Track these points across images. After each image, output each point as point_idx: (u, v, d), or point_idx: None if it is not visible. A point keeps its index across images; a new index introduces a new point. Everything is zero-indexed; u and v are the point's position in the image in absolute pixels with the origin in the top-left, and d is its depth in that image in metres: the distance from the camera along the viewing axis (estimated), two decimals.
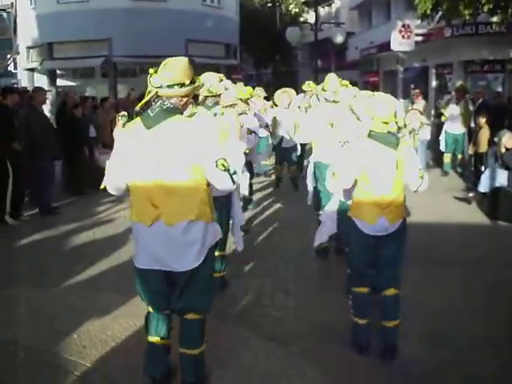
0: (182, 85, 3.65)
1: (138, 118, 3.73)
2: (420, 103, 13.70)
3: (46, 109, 11.00)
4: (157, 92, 3.66)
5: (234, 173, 3.67)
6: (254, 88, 10.59)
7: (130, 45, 25.04)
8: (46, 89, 15.03)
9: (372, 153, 4.49)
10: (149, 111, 3.68)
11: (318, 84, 13.02)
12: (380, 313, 4.70)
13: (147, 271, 3.77)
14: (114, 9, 25.75)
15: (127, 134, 3.75)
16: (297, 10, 42.84)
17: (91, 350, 4.61)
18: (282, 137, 10.91)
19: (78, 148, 11.30)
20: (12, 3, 35.00)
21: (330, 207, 6.01)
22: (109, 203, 10.40)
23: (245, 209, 8.40)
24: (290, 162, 11.38)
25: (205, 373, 4.04)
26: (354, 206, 4.71)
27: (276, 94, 11.96)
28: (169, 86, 3.62)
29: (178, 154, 3.58)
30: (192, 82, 3.71)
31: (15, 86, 26.57)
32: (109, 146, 12.51)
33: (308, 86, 12.48)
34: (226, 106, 5.79)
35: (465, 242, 8.04)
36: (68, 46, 26.70)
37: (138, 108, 3.83)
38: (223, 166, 3.60)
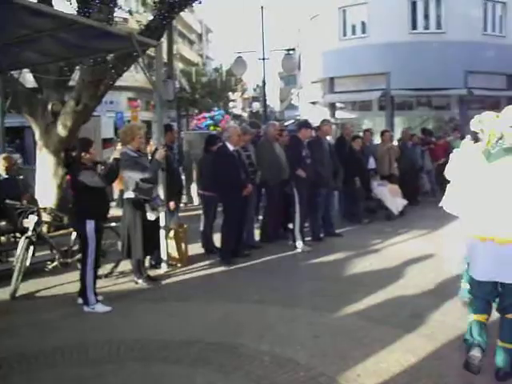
0: None
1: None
2: None
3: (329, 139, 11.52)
4: (501, 133, 4.55)
5: None
6: None
7: (408, 78, 25.15)
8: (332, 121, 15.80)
9: None
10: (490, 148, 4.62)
11: None
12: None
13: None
14: (393, 43, 26.16)
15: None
16: None
17: (365, 379, 4.68)
18: None
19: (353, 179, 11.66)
20: (298, 42, 37.57)
21: None
22: (383, 234, 10.57)
23: None
24: None
25: None
26: None
27: None
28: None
29: None
30: None
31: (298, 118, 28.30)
32: (386, 178, 12.80)
33: None
34: None
35: None
36: (348, 80, 27.75)
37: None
38: None
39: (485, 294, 4.70)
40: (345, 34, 28.87)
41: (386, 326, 5.91)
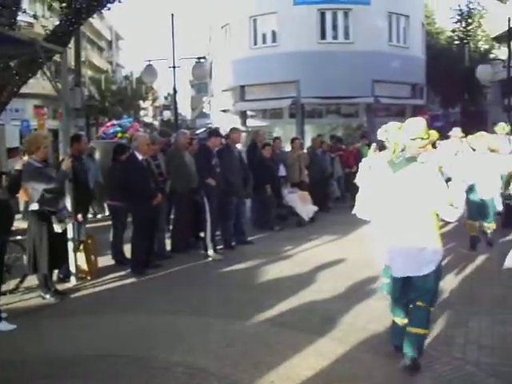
0: (422, 138, 4.90)
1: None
2: None
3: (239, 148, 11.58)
4: (403, 144, 4.95)
5: (457, 207, 4.79)
6: (441, 128, 10.25)
7: (317, 86, 25.63)
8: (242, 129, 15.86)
9: None
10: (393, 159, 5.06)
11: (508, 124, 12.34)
12: None
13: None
14: (302, 52, 26.62)
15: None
16: (487, 47, 41.26)
17: None
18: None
19: (264, 186, 11.72)
20: (209, 51, 37.60)
21: None
22: (294, 240, 10.69)
23: None
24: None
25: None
26: None
27: (471, 137, 10.89)
28: (412, 139, 4.89)
29: (418, 193, 4.85)
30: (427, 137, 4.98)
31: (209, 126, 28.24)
32: (297, 185, 12.99)
33: (503, 128, 11.84)
34: None
35: None
36: (258, 88, 28.01)
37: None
38: (449, 202, 4.76)
39: (402, 292, 5.17)
40: (255, 43, 29.12)
41: (298, 332, 5.98)
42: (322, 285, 7.78)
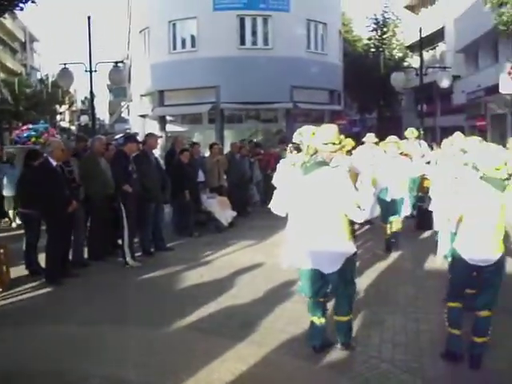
0: (334, 143, 5.11)
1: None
2: None
3: (157, 154, 11.45)
4: (315, 148, 5.19)
5: (364, 209, 5.07)
6: (359, 134, 10.56)
7: (237, 92, 25.69)
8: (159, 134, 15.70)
9: (481, 193, 5.07)
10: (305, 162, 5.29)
11: (424, 130, 12.86)
12: (472, 329, 5.17)
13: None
14: (222, 57, 26.68)
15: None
16: (401, 55, 42.64)
17: None
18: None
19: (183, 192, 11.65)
20: (128, 55, 37.07)
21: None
22: (214, 246, 10.67)
23: None
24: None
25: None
26: (460, 239, 5.27)
27: (383, 142, 11.21)
28: (324, 144, 5.10)
29: (326, 195, 5.07)
30: (339, 142, 5.21)
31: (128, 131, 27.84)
32: (215, 190, 12.98)
33: (412, 133, 12.34)
34: None
35: None
36: (178, 93, 27.84)
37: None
38: (356, 204, 5.03)
39: (318, 289, 5.39)
40: (175, 48, 28.93)
41: (217, 337, 5.99)
42: (241, 289, 7.80)
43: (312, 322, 5.49)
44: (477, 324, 5.21)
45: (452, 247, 5.54)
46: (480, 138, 7.05)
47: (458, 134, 9.19)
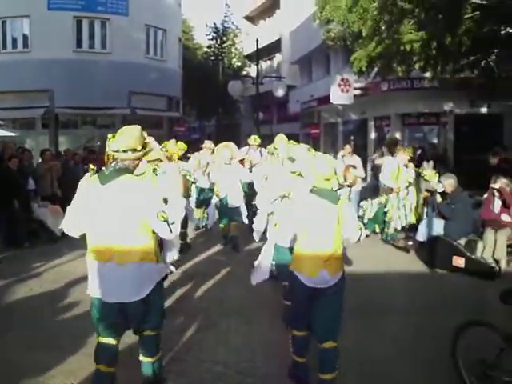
0: (135, 150, 4.36)
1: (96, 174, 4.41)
2: (353, 158, 13.21)
3: None
4: (113, 155, 4.38)
5: (173, 223, 4.30)
6: (198, 140, 10.73)
7: (73, 96, 24.89)
8: None
9: (314, 207, 4.75)
10: (104, 170, 4.43)
11: (260, 137, 13.35)
12: (318, 365, 4.73)
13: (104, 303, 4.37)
14: (57, 60, 25.73)
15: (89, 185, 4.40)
16: (239, 64, 43.71)
17: None
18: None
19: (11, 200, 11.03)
20: None
21: (265, 254, 6.35)
22: (46, 256, 10.16)
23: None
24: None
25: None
26: (296, 260, 4.89)
27: (217, 148, 11.44)
28: (124, 151, 4.33)
29: (127, 207, 4.26)
30: (143, 147, 4.43)
31: None
32: (48, 198, 12.38)
33: (254, 140, 12.67)
34: (150, 161, 5.70)
35: (405, 291, 8.27)
36: (8, 95, 26.33)
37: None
38: (163, 217, 4.25)
39: (112, 317, 4.41)
40: (4, 47, 27.44)
41: (47, 351, 5.69)
42: (75, 302, 7.48)
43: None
44: (322, 358, 4.72)
45: (289, 269, 4.98)
46: (308, 146, 6.98)
47: (280, 136, 7.78)
